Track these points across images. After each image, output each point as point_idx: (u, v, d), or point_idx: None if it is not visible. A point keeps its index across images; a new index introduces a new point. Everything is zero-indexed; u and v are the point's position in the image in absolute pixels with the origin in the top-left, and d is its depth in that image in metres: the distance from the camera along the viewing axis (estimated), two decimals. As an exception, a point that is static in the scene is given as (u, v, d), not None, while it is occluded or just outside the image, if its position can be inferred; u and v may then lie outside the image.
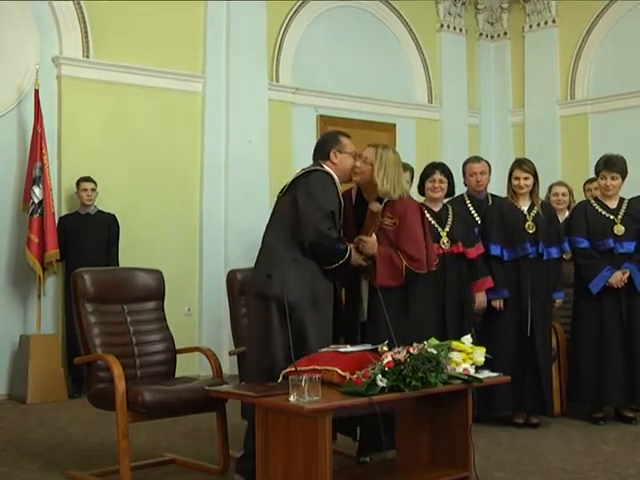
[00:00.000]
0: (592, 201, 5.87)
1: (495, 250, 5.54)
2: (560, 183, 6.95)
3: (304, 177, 4.30)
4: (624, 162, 5.73)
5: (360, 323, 4.46)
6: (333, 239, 4.17)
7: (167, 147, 7.82)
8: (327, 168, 4.35)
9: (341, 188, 4.42)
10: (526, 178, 5.56)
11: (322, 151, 4.43)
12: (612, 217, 5.69)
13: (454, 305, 5.37)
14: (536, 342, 5.48)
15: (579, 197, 6.97)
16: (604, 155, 5.80)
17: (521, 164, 5.61)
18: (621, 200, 5.78)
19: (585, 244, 5.68)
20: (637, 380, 5.65)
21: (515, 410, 5.58)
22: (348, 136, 4.52)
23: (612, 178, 5.68)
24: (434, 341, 3.82)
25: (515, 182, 5.58)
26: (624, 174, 5.72)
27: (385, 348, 3.76)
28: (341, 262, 4.20)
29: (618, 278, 5.59)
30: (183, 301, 7.74)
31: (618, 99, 8.99)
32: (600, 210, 5.74)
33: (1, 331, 6.89)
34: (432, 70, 9.69)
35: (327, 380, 3.63)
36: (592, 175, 6.43)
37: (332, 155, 4.38)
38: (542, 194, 6.21)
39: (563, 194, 6.73)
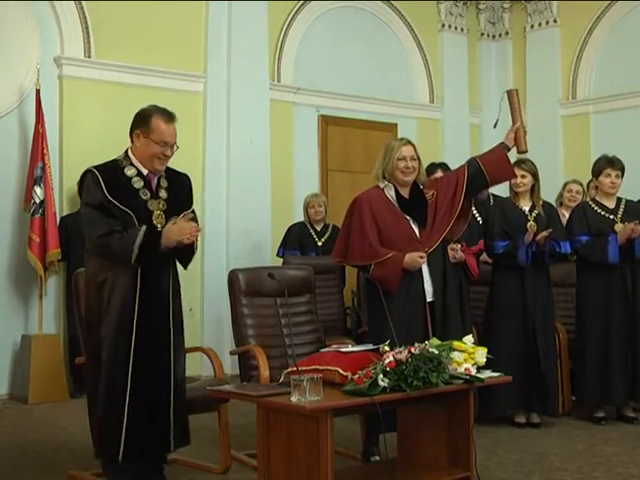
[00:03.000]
0: (590, 202, 5.86)
1: (502, 244, 5.52)
2: (575, 181, 7.16)
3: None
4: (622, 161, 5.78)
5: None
6: (107, 238, 3.80)
7: (168, 147, 7.81)
8: (130, 153, 3.94)
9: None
10: (523, 176, 5.55)
11: (130, 129, 3.94)
12: (612, 216, 5.69)
13: (454, 306, 5.35)
14: (538, 342, 5.47)
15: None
16: (602, 155, 5.81)
17: (520, 163, 5.61)
18: (618, 200, 5.79)
19: (586, 239, 5.66)
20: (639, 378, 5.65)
21: (519, 410, 5.58)
22: (168, 116, 3.92)
23: (616, 176, 5.69)
24: (435, 341, 3.82)
25: (512, 180, 5.59)
26: (624, 172, 5.75)
27: (387, 348, 3.76)
28: (138, 248, 3.77)
29: (628, 228, 5.50)
30: (184, 301, 7.68)
31: (619, 99, 8.98)
32: (599, 210, 5.73)
33: (2, 331, 6.89)
34: (433, 70, 9.68)
35: (328, 380, 3.62)
36: (593, 175, 6.45)
37: (134, 136, 3.91)
38: (548, 195, 6.21)
39: (577, 192, 6.94)
